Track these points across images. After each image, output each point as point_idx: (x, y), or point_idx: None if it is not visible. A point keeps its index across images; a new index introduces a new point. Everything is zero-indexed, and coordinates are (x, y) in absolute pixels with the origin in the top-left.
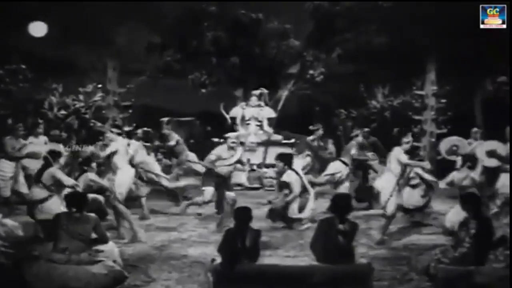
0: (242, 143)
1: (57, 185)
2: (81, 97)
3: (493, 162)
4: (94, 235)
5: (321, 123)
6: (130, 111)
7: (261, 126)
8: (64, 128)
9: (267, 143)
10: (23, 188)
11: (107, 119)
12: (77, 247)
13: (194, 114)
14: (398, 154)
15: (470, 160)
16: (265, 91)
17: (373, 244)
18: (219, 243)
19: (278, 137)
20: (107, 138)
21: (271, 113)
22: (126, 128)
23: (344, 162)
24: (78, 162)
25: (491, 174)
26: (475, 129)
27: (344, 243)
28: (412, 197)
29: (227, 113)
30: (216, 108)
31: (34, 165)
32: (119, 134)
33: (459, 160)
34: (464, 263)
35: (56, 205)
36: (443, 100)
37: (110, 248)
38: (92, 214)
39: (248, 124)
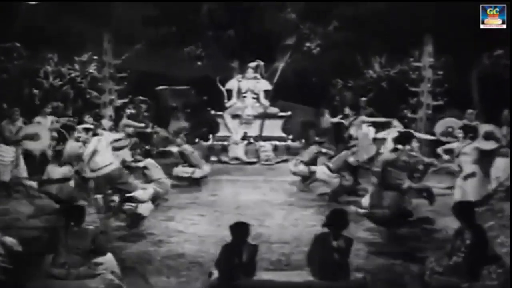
0: (238, 116)
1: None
2: (76, 66)
3: (489, 145)
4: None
5: (318, 95)
6: (126, 83)
7: (257, 99)
8: (60, 98)
9: (264, 116)
10: (23, 173)
11: (104, 91)
12: (76, 261)
13: (191, 81)
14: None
15: (471, 131)
16: (261, 63)
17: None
18: (217, 258)
19: (274, 110)
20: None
21: (268, 86)
22: (120, 101)
23: (328, 168)
24: None
25: (486, 159)
26: (470, 111)
27: (339, 259)
28: None
29: (223, 85)
30: (213, 75)
31: (34, 146)
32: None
33: (460, 134)
34: (457, 274)
35: None
36: (440, 72)
37: (109, 259)
38: (91, 227)
39: (244, 97)
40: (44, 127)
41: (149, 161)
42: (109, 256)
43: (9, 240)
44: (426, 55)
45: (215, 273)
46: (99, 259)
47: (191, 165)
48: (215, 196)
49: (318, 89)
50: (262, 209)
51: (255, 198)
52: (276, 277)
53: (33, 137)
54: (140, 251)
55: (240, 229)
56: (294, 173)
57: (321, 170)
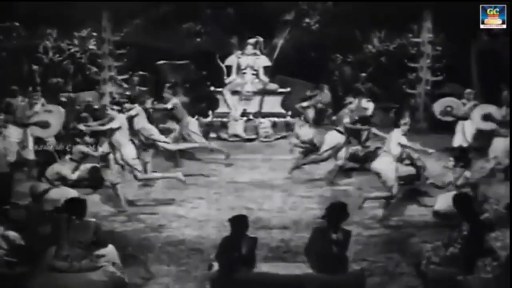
0: (238, 92)
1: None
2: (76, 41)
3: (487, 126)
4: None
5: (317, 70)
6: (125, 59)
7: (257, 75)
8: (60, 74)
9: (263, 92)
10: (30, 154)
11: (103, 67)
12: (78, 254)
13: (190, 56)
14: (398, 137)
15: (463, 160)
16: (260, 39)
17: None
18: (216, 251)
19: (273, 86)
20: (108, 115)
21: (267, 62)
22: (121, 77)
23: (339, 131)
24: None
25: (484, 139)
26: (468, 90)
27: (337, 252)
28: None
29: (223, 62)
30: (212, 49)
31: (42, 134)
32: (119, 111)
33: (451, 162)
34: (453, 265)
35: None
36: (439, 48)
37: (110, 251)
38: (92, 220)
39: (244, 73)
40: (56, 116)
41: (138, 109)
42: (111, 247)
43: (12, 234)
44: (425, 30)
45: (215, 266)
46: (101, 251)
47: (177, 120)
48: (214, 176)
49: (318, 64)
50: (261, 191)
51: (254, 178)
52: (275, 270)
53: (43, 124)
54: (140, 238)
55: (239, 222)
56: (298, 137)
57: (332, 135)
